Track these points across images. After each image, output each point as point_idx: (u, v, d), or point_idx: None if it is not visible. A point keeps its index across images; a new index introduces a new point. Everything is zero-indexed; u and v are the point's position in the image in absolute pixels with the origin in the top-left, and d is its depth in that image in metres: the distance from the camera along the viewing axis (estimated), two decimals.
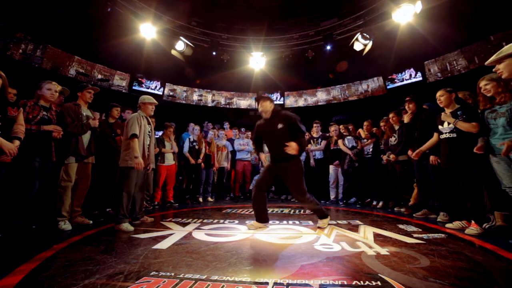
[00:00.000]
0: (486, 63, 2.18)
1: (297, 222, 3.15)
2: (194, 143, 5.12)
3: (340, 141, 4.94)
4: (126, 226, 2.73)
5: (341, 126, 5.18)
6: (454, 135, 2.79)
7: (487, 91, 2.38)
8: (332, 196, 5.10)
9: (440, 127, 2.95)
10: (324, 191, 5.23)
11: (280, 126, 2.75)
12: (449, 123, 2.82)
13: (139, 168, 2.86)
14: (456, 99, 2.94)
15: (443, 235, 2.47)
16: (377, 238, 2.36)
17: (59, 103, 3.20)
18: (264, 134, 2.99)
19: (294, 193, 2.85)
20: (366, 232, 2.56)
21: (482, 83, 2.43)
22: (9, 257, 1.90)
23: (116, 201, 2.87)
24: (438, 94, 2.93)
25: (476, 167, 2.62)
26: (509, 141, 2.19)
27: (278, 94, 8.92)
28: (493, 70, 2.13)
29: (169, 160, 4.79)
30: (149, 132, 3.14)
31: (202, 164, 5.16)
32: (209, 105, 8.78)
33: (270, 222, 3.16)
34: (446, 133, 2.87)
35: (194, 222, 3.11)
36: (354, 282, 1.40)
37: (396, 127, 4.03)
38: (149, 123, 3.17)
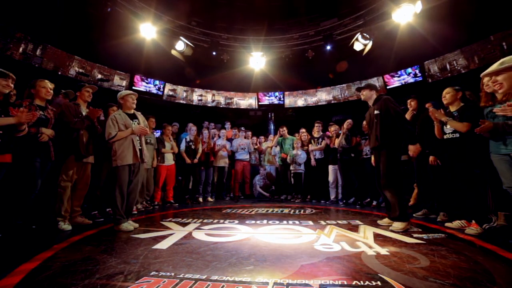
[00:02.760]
0: (483, 74, 2.03)
1: (297, 222, 3.15)
2: (191, 143, 5.12)
3: (336, 140, 4.98)
4: (126, 225, 2.72)
5: (332, 128, 5.24)
6: (457, 135, 2.78)
7: (488, 87, 2.37)
8: (332, 196, 5.10)
9: (444, 127, 2.94)
10: (324, 191, 5.23)
11: (376, 112, 2.88)
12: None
13: (143, 131, 2.86)
14: (464, 99, 2.93)
15: (443, 235, 2.47)
16: (377, 238, 2.36)
17: (63, 104, 3.21)
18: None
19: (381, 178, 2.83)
20: (366, 232, 2.56)
21: (486, 79, 2.41)
22: (9, 257, 1.90)
23: (111, 202, 2.83)
24: (445, 91, 2.93)
25: (479, 167, 2.61)
26: (488, 122, 2.21)
27: (278, 94, 8.92)
28: (491, 82, 2.01)
29: (169, 160, 4.79)
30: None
31: (200, 164, 5.17)
32: (209, 105, 8.78)
33: (270, 222, 3.17)
34: (449, 133, 2.87)
35: (194, 222, 3.11)
36: (354, 282, 1.40)
37: None
38: (134, 118, 2.95)
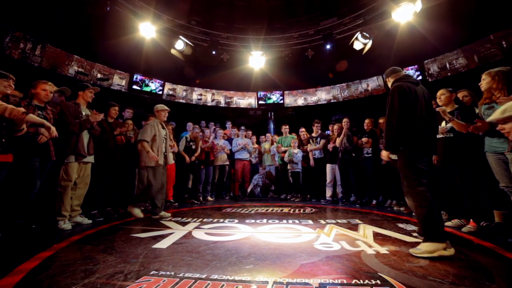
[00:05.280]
0: (489, 119, 1.86)
1: (297, 221, 3.15)
2: (191, 143, 5.12)
3: (338, 139, 4.98)
4: (137, 212, 3.30)
5: (335, 126, 5.23)
6: (451, 134, 2.81)
7: (481, 86, 2.39)
8: (328, 195, 5.11)
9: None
10: (324, 190, 5.23)
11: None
12: (446, 123, 2.83)
13: (155, 159, 3.36)
14: (456, 100, 2.97)
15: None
16: (377, 237, 2.37)
17: (59, 103, 3.20)
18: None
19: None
20: (366, 231, 2.57)
21: (482, 77, 2.43)
22: (9, 256, 1.90)
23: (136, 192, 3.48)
24: (439, 93, 2.95)
25: (473, 166, 2.63)
26: (484, 122, 2.15)
27: (278, 93, 8.91)
28: (497, 128, 1.82)
29: (169, 159, 4.77)
30: (164, 136, 3.63)
31: (200, 162, 5.17)
32: (209, 104, 8.77)
33: (269, 221, 3.17)
34: (444, 132, 2.89)
35: (194, 222, 3.11)
36: (353, 281, 1.41)
37: None
38: (163, 128, 3.67)
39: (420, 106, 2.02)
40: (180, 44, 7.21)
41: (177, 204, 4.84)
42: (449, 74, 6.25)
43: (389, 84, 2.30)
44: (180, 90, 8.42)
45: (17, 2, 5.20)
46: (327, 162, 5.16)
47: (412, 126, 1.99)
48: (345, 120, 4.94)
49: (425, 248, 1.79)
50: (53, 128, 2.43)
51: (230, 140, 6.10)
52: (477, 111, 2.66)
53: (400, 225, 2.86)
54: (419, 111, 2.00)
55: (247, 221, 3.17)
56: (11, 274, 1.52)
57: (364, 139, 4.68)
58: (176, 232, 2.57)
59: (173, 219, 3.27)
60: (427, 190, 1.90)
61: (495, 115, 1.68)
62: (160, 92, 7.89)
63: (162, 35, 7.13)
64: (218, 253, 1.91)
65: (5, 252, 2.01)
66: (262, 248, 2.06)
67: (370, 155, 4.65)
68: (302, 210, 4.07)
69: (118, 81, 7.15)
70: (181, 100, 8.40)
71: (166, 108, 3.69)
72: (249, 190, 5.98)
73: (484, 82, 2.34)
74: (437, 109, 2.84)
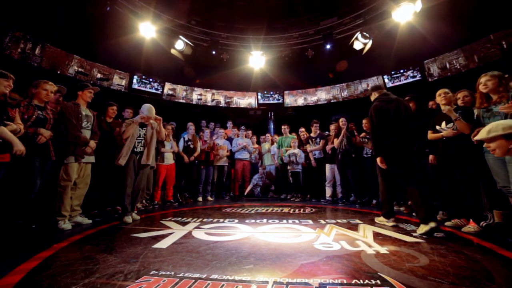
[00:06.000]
0: (475, 138, 1.98)
1: (296, 221, 3.15)
2: (189, 142, 5.13)
3: (336, 140, 4.98)
4: (127, 218, 3.10)
5: (332, 126, 5.22)
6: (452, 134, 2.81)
7: (485, 87, 2.38)
8: (327, 195, 5.11)
9: (437, 127, 2.96)
10: (324, 190, 5.23)
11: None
12: (447, 123, 2.83)
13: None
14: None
15: (442, 233, 2.47)
16: (377, 237, 2.37)
17: (55, 101, 3.19)
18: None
19: None
20: (366, 231, 2.57)
21: (483, 79, 2.42)
22: (9, 256, 1.90)
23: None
24: (442, 91, 2.94)
25: (473, 166, 2.63)
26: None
27: (278, 93, 8.91)
28: (484, 146, 1.91)
29: (169, 159, 4.79)
30: (143, 135, 3.40)
31: (200, 163, 5.18)
32: (209, 104, 8.77)
33: (269, 221, 3.17)
34: (444, 132, 2.89)
35: (194, 221, 3.11)
36: (353, 281, 1.41)
37: None
38: (143, 127, 3.43)
39: (393, 118, 2.69)
40: (180, 44, 7.21)
41: (177, 204, 4.84)
42: (449, 74, 6.25)
43: (372, 98, 3.02)
44: (180, 90, 8.42)
45: (17, 2, 5.19)
46: (326, 162, 5.16)
47: (383, 136, 2.71)
48: (342, 120, 4.93)
49: (379, 219, 3.00)
50: (21, 147, 2.22)
51: (230, 140, 6.10)
52: (476, 112, 2.66)
53: (400, 225, 2.86)
54: (389, 123, 2.69)
55: (247, 221, 3.17)
56: (11, 274, 1.52)
57: (363, 134, 4.69)
58: (176, 232, 2.57)
59: (173, 219, 3.26)
60: (385, 185, 2.91)
61: (482, 134, 1.76)
62: (160, 92, 7.87)
63: (162, 35, 7.13)
64: (218, 253, 1.91)
65: (5, 252, 2.01)
66: (262, 248, 2.06)
67: (369, 155, 4.66)
68: (302, 210, 4.07)
69: (118, 81, 7.15)
70: (181, 100, 8.41)
71: (149, 114, 3.41)
72: (248, 189, 5.97)
73: (490, 82, 2.33)
74: (443, 108, 2.84)
